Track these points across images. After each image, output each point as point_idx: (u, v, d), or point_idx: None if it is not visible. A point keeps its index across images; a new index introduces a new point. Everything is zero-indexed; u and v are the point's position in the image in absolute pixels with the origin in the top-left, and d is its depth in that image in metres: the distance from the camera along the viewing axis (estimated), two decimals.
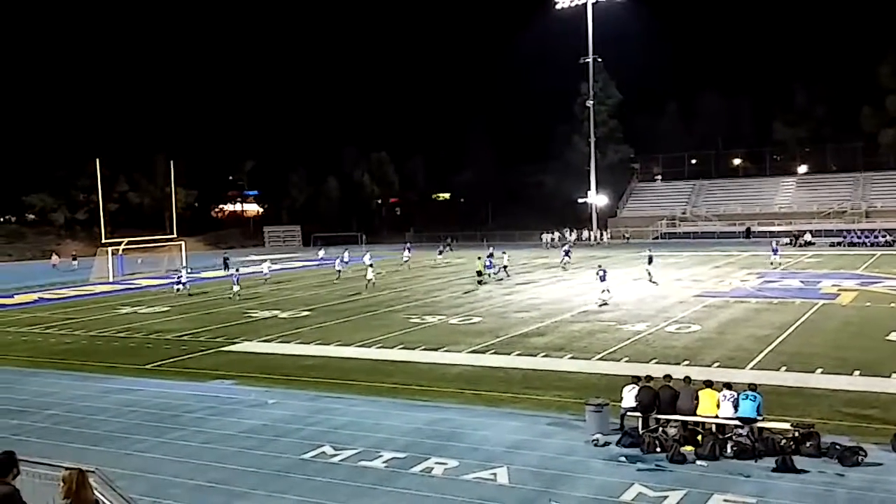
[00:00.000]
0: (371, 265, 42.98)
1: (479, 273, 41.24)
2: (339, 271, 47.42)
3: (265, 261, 50.05)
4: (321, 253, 59.19)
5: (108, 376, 21.94)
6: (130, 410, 18.01)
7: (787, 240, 64.68)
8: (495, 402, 17.59)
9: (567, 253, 50.00)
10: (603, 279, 33.31)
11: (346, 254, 51.94)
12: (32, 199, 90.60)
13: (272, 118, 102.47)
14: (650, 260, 41.86)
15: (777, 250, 47.67)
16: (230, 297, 38.40)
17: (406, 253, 54.86)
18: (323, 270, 53.35)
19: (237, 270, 43.06)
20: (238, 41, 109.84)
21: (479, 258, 43.10)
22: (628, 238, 77.13)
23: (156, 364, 23.47)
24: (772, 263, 45.52)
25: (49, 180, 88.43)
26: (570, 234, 75.93)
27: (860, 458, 12.89)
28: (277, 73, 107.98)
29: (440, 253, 58.08)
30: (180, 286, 42.05)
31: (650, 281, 39.45)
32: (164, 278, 53.07)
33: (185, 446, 15.21)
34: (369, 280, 40.91)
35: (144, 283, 50.30)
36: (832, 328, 25.35)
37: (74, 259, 65.87)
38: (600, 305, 31.40)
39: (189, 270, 57.46)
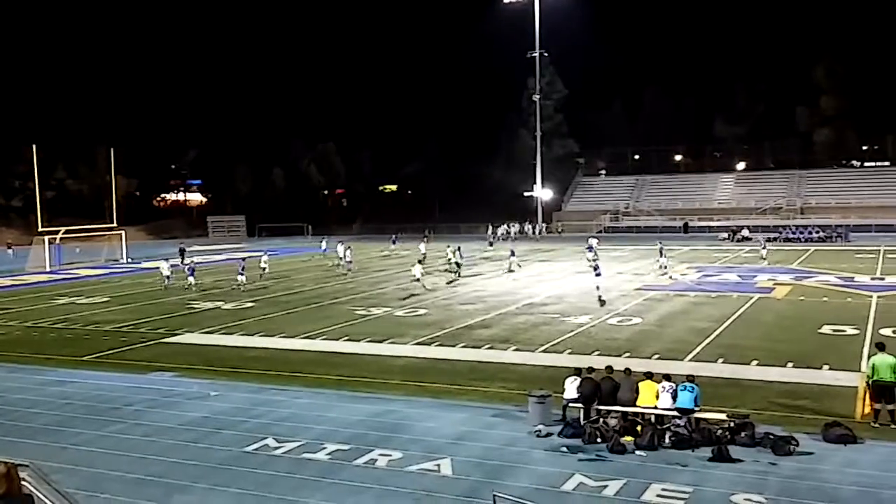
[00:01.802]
0: (420, 261, 39.45)
1: (458, 265, 41.23)
2: (347, 262, 45.28)
3: (263, 253, 45.55)
4: (324, 244, 57.02)
5: (44, 368, 21.43)
6: (66, 403, 17.63)
7: (724, 235, 66.15)
8: (440, 394, 17.68)
9: (591, 248, 47.01)
10: (598, 275, 32.63)
11: (346, 247, 48.44)
12: None
13: (216, 106, 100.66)
14: (661, 252, 41.36)
15: (766, 245, 47.93)
16: (233, 289, 36.88)
17: (422, 245, 51.61)
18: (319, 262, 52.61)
19: (243, 259, 40.84)
20: (182, 29, 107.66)
21: (457, 250, 43.05)
22: (561, 231, 78.39)
23: (94, 356, 22.98)
24: (762, 258, 45.33)
25: None
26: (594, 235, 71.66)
27: (792, 447, 13.32)
28: (222, 62, 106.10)
29: (491, 244, 56.24)
30: (192, 278, 38.14)
31: (663, 273, 39.27)
32: (103, 268, 51.98)
33: (124, 439, 14.95)
34: (418, 278, 36.36)
35: (83, 272, 49.14)
36: (767, 321, 26.06)
37: (10, 248, 64.00)
38: (601, 304, 30.06)
39: (130, 260, 56.43)
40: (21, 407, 17.39)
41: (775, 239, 62.12)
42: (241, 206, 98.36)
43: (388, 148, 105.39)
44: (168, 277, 38.78)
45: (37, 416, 16.62)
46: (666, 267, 40.31)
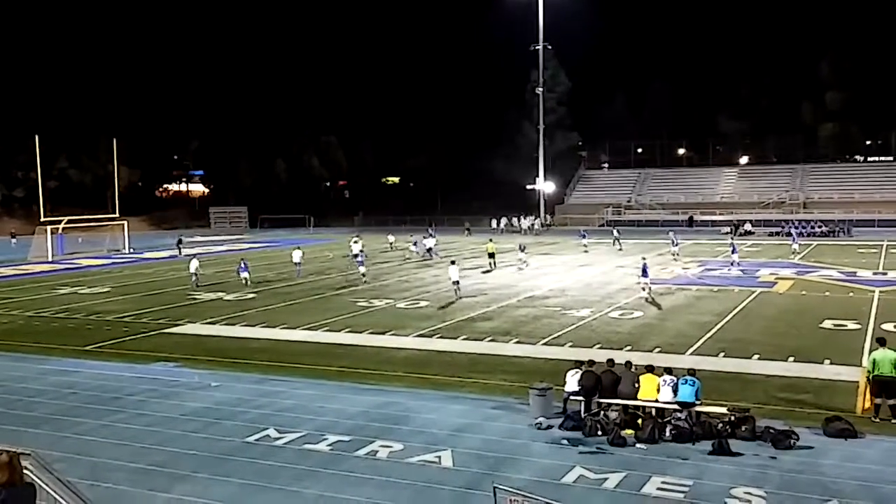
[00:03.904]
0: (453, 262, 33.87)
1: (492, 255, 41.49)
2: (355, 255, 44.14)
3: (426, 236, 42.53)
4: (391, 238, 55.71)
5: (46, 357, 21.48)
6: (69, 392, 17.68)
7: (727, 229, 66.06)
8: (441, 386, 17.71)
9: (674, 243, 46.95)
10: (644, 273, 31.32)
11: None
12: None
13: (219, 97, 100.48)
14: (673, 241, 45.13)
15: (796, 238, 48.06)
16: (361, 279, 36.07)
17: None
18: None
19: (361, 250, 40.19)
20: (185, 20, 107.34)
21: (491, 240, 43.76)
22: (549, 225, 78.41)
23: (96, 345, 23.03)
24: (794, 252, 45.48)
25: None
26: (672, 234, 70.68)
27: (792, 441, 13.33)
28: (225, 53, 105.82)
29: (583, 237, 52.18)
30: (246, 273, 36.17)
31: (675, 260, 43.12)
32: (105, 258, 52.02)
33: (126, 429, 14.99)
34: (457, 281, 31.77)
35: (85, 262, 49.21)
36: (769, 315, 26.04)
37: (13, 237, 64.12)
38: (650, 301, 28.93)
39: (132, 250, 56.46)
40: (23, 396, 17.44)
41: (778, 233, 62.05)
42: (243, 197, 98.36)
43: (391, 140, 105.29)
44: (195, 275, 36.16)
45: (39, 406, 16.67)
46: (676, 254, 43.07)
